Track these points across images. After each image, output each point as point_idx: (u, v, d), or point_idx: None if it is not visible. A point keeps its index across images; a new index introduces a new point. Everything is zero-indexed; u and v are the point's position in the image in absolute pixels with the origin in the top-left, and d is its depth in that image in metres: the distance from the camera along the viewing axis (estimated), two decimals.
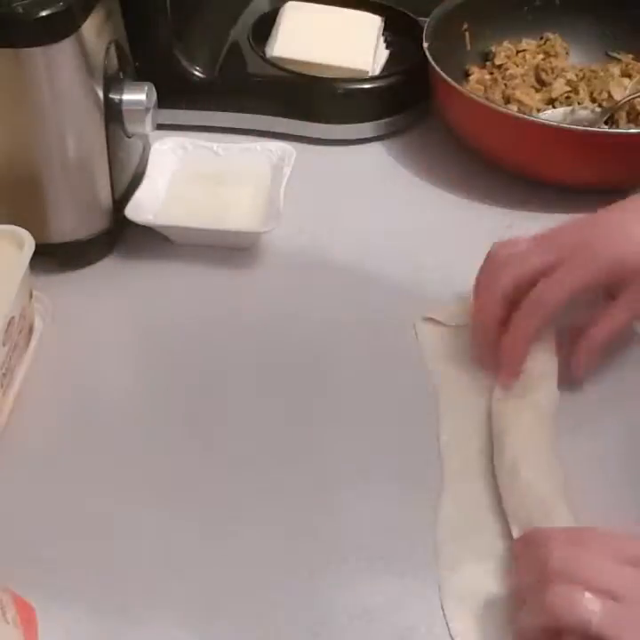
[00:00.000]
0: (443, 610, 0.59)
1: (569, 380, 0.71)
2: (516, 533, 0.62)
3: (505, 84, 0.96)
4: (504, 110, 0.89)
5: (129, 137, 0.82)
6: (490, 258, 0.72)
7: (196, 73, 0.93)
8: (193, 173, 0.88)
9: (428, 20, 0.94)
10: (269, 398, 0.72)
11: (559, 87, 0.96)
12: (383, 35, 1.01)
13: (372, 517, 0.64)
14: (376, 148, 0.96)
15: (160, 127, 0.84)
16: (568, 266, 0.68)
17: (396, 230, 0.86)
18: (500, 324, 0.70)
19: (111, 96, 0.78)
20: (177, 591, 0.61)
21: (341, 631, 0.59)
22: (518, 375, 0.70)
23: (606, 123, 0.92)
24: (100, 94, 0.77)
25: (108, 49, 0.77)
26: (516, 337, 0.69)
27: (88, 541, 0.63)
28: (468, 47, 1.00)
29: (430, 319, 0.77)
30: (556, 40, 1.01)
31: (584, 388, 0.72)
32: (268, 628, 0.59)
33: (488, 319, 0.71)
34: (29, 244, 0.71)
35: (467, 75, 0.99)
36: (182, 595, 0.60)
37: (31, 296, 0.73)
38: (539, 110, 0.94)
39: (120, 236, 0.83)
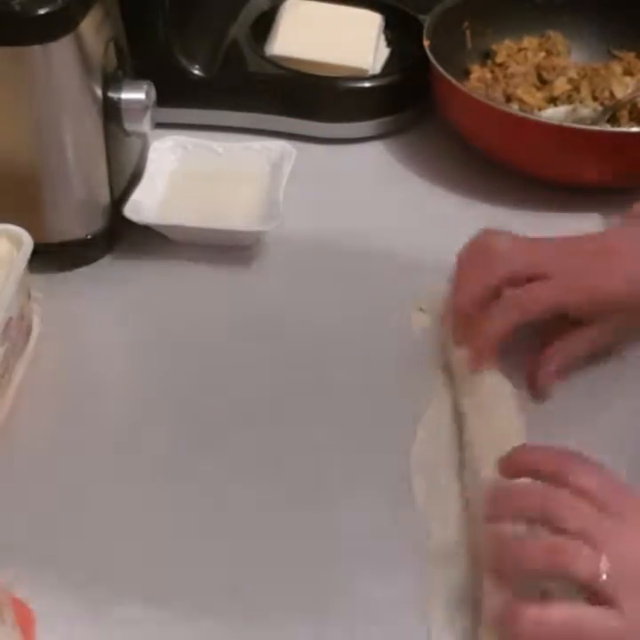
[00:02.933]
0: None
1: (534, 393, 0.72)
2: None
3: (506, 83, 0.96)
4: (505, 109, 0.89)
5: (128, 136, 0.82)
6: (477, 244, 0.73)
7: (196, 71, 0.93)
8: (192, 172, 0.88)
9: (428, 17, 0.94)
10: (269, 398, 0.72)
11: (560, 85, 0.95)
12: (383, 33, 1.01)
13: (371, 516, 0.64)
14: (376, 147, 0.96)
15: (159, 126, 0.84)
16: (557, 281, 0.70)
17: (396, 228, 0.86)
18: (480, 310, 0.71)
19: (110, 94, 0.78)
20: (177, 591, 0.61)
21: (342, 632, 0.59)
22: (483, 365, 0.70)
23: (608, 121, 0.92)
24: (99, 93, 0.77)
25: (106, 47, 0.77)
26: (491, 327, 0.70)
27: (87, 541, 0.63)
28: (469, 45, 1.00)
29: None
30: (557, 38, 1.00)
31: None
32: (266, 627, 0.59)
33: (473, 303, 0.71)
34: (27, 244, 0.71)
35: (467, 73, 0.99)
36: (182, 594, 0.60)
37: (29, 296, 0.73)
38: (540, 109, 0.94)
39: (119, 235, 0.83)
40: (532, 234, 0.85)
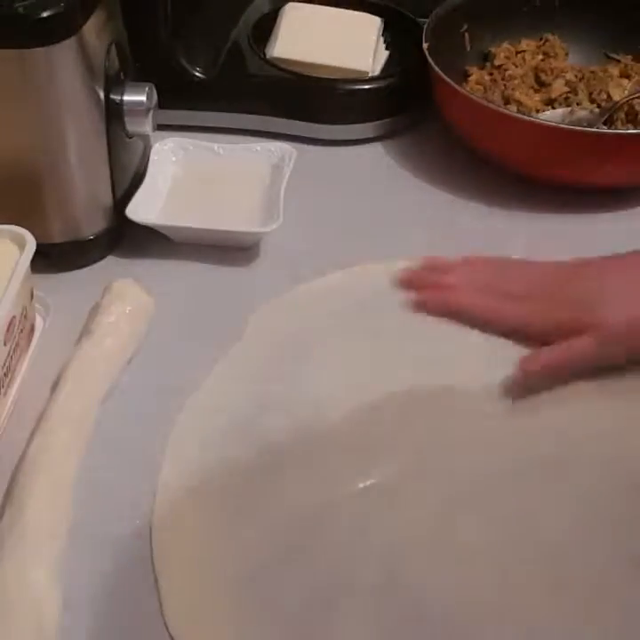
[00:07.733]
0: None
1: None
2: None
3: (504, 85, 0.96)
4: (503, 111, 0.89)
5: (130, 137, 0.82)
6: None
7: (197, 73, 0.94)
8: (193, 173, 0.88)
9: (427, 20, 0.94)
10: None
11: (558, 88, 0.96)
12: (383, 35, 1.01)
13: None
14: (376, 149, 0.96)
15: (161, 127, 0.84)
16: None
17: (395, 229, 0.86)
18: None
19: (112, 97, 0.78)
20: None
21: None
22: None
23: (605, 123, 0.92)
24: (101, 95, 0.77)
25: (108, 50, 0.77)
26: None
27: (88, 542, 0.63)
28: (468, 48, 1.00)
29: None
30: (555, 41, 1.01)
31: None
32: None
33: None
34: (31, 244, 0.71)
35: (466, 75, 0.99)
36: None
37: (32, 296, 0.74)
38: (538, 111, 0.94)
39: (121, 235, 0.83)
40: (530, 234, 0.86)
